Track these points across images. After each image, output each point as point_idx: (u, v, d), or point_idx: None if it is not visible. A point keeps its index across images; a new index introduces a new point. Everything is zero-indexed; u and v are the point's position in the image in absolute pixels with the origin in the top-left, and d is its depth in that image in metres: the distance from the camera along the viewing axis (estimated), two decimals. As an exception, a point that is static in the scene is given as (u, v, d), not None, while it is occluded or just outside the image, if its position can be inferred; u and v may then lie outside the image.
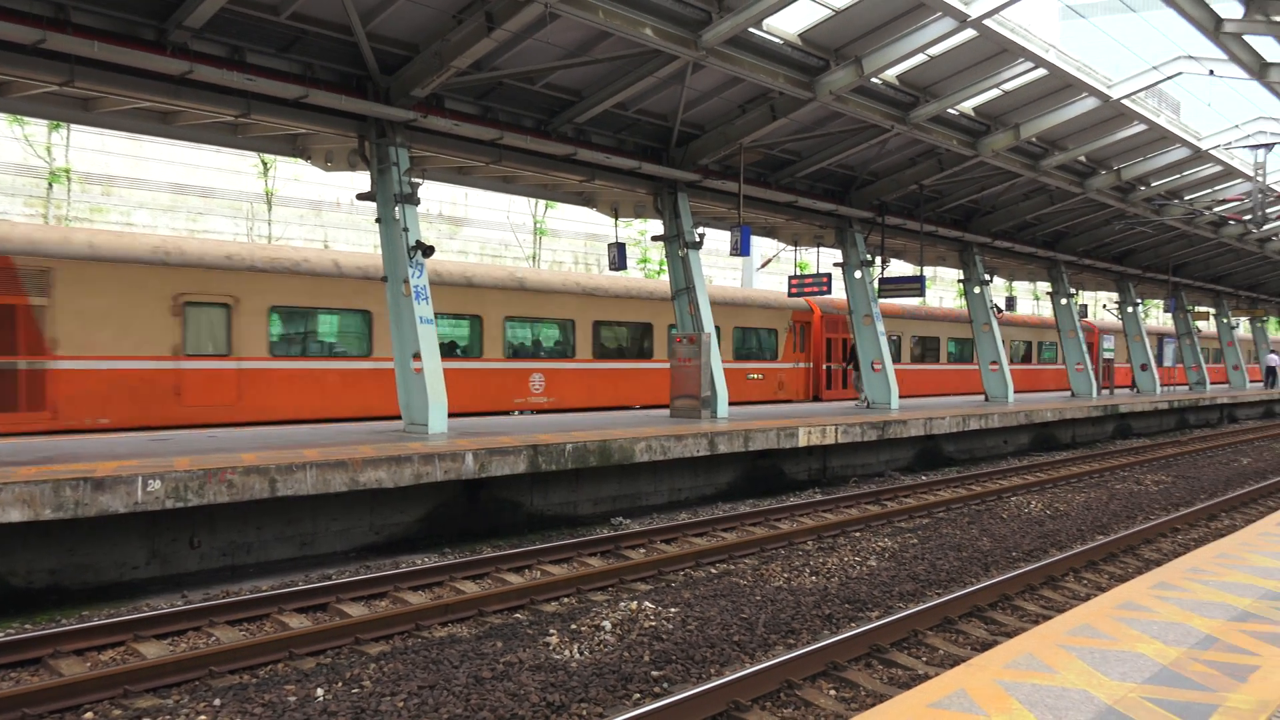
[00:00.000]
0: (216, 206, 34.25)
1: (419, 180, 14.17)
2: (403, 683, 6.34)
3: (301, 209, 36.24)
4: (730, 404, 24.95)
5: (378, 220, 13.79)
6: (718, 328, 25.08)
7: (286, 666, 6.93)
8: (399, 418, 18.49)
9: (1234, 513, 14.09)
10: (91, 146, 31.04)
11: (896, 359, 30.78)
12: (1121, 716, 4.05)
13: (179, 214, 33.39)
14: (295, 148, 15.03)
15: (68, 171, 30.53)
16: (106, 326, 15.14)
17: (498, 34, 11.83)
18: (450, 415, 19.06)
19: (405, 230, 13.42)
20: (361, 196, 14.13)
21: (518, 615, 8.32)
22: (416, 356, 13.31)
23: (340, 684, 6.37)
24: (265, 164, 33.87)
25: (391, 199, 13.50)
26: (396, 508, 11.24)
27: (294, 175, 34.72)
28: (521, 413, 20.43)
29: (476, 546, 11.22)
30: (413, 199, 13.58)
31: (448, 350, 19.74)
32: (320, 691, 6.22)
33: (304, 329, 17.74)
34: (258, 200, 34.68)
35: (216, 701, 6.06)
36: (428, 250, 13.40)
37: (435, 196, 38.32)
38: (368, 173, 13.92)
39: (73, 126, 29.58)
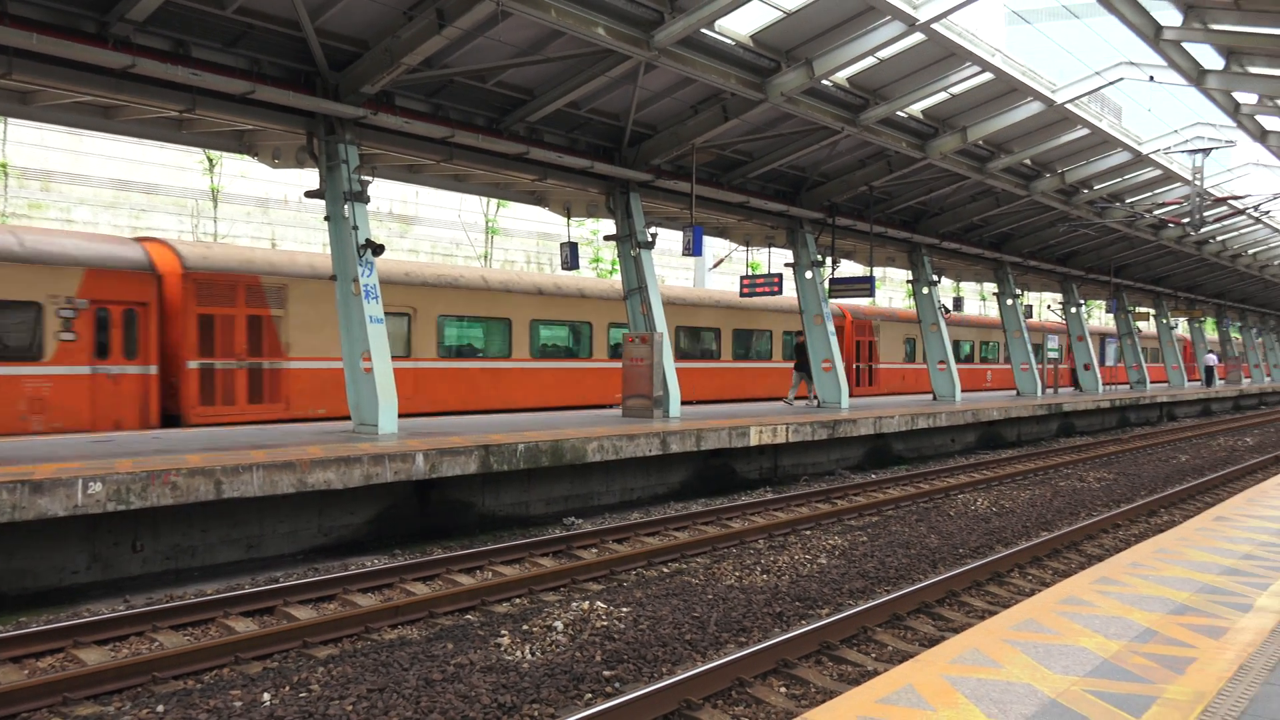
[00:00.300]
0: (160, 203, 33.56)
1: (369, 178, 14.01)
2: (352, 686, 6.27)
3: (248, 206, 35.64)
4: (776, 399, 26.65)
5: (326, 218, 13.62)
6: (768, 332, 27.86)
7: (232, 671, 6.82)
8: (538, 409, 20.13)
9: (1173, 509, 14.44)
10: (29, 141, 30.24)
11: (910, 360, 33.60)
12: (1064, 709, 4.13)
13: (121, 211, 32.64)
14: (242, 144, 14.78)
15: (4, 166, 29.73)
16: (323, 333, 17.70)
17: (449, 31, 11.75)
18: (564, 408, 21.21)
19: (355, 229, 13.27)
20: (310, 194, 13.94)
21: (469, 616, 8.28)
22: (366, 356, 13.18)
23: (288, 688, 6.28)
24: (211, 160, 33.26)
25: (341, 197, 13.34)
26: (346, 509, 11.10)
27: (241, 172, 34.15)
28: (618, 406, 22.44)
29: (427, 548, 11.13)
30: (362, 197, 13.42)
31: (566, 353, 22.69)
32: (267, 696, 6.13)
33: (462, 334, 20.45)
34: (203, 197, 34.05)
35: (160, 708, 5.94)
36: (377, 249, 13.26)
37: (385, 194, 37.94)
38: (316, 170, 13.73)
39: (10, 120, 28.84)
